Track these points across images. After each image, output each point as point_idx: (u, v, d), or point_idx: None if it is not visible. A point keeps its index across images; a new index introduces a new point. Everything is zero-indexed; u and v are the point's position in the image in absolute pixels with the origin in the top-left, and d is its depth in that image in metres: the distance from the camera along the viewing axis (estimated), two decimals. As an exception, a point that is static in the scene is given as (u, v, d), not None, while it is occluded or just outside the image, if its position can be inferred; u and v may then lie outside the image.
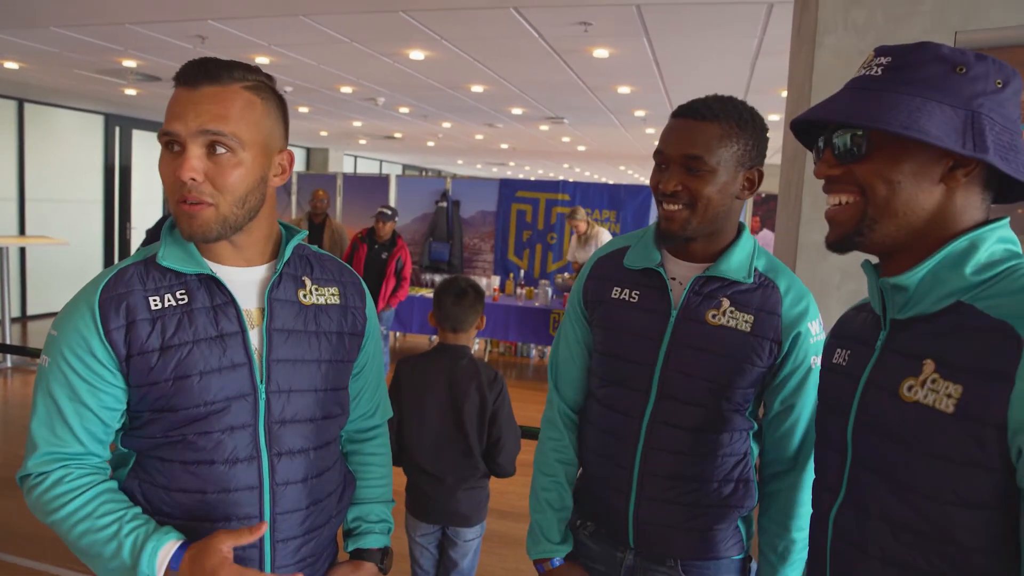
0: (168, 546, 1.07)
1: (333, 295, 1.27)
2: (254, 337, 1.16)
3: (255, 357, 1.16)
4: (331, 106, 8.64)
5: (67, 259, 9.10)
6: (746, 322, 1.30)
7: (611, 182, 11.82)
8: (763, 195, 7.49)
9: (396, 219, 6.26)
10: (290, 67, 6.17)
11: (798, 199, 1.90)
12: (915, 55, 0.88)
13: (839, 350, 1.03)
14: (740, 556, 1.40)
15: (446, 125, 10.12)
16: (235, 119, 1.09)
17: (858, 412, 0.94)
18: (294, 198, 9.40)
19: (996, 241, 0.87)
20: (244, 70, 1.12)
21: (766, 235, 7.44)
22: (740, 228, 1.37)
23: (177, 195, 1.08)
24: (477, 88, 6.92)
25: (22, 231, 8.73)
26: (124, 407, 1.14)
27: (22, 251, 8.73)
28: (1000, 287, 0.84)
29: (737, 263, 1.33)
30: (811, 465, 1.34)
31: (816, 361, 1.32)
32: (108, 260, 9.99)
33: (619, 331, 1.38)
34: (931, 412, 0.82)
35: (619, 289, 1.39)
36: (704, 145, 1.24)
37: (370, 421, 1.41)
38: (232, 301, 1.15)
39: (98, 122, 9.75)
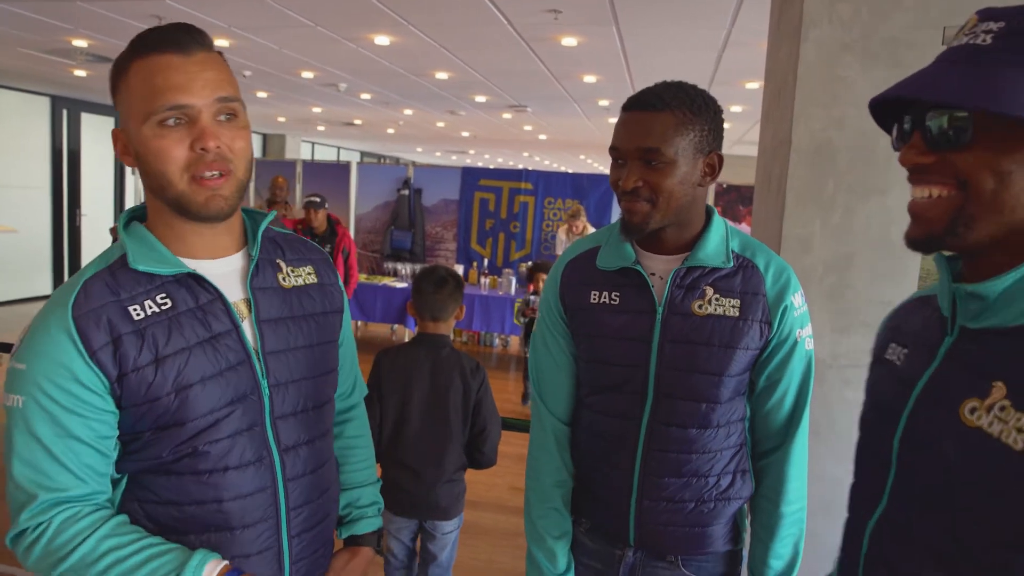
0: (213, 563, 1.01)
1: (310, 274, 1.22)
2: (247, 330, 1.10)
3: (253, 352, 1.10)
4: (291, 91, 8.45)
5: (13, 248, 8.74)
6: (733, 307, 1.29)
7: (571, 171, 11.83)
8: (724, 185, 7.58)
9: (327, 206, 5.91)
10: (250, 50, 6.00)
11: (780, 192, 1.91)
12: None
13: (894, 345, 0.93)
14: (738, 547, 1.41)
15: (408, 112, 10.00)
16: (233, 83, 1.05)
17: (908, 424, 0.83)
18: (252, 184, 9.19)
19: None
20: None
21: (728, 225, 7.53)
22: (709, 212, 1.35)
23: (193, 170, 1.00)
24: (442, 75, 6.84)
25: (-36, 217, 8.36)
26: (117, 433, 1.04)
27: (-36, 238, 8.36)
28: None
29: (714, 248, 1.30)
30: (799, 441, 1.35)
31: (800, 333, 1.31)
32: (57, 248, 9.63)
33: (604, 336, 1.34)
34: (996, 444, 0.71)
35: (597, 293, 1.35)
36: (660, 136, 1.21)
37: (348, 401, 1.38)
38: (219, 297, 1.08)
39: (44, 104, 9.37)
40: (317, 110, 10.33)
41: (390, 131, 12.99)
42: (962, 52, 0.76)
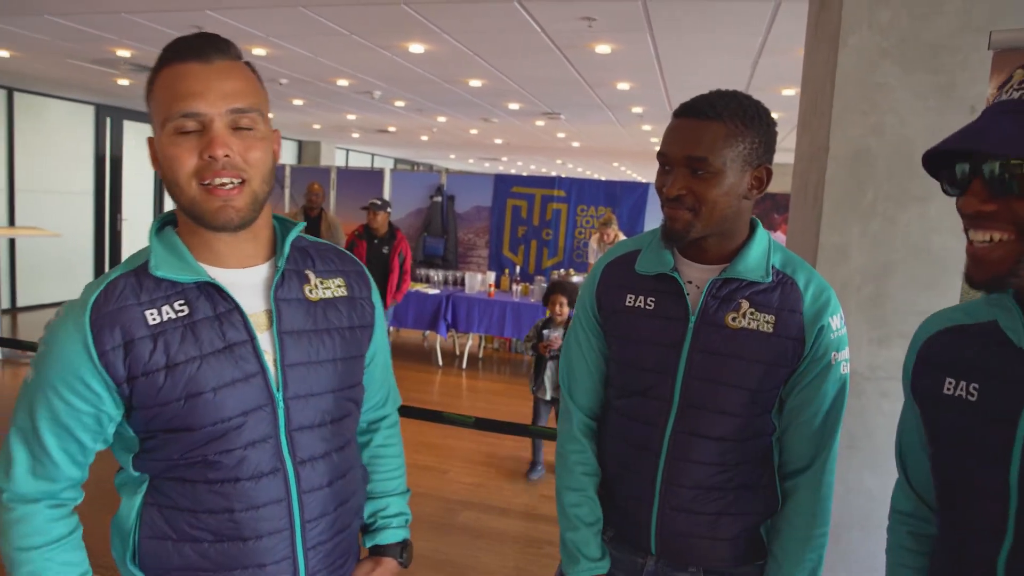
0: None
1: (339, 287, 1.21)
2: (265, 342, 1.10)
3: (268, 364, 1.09)
4: (326, 99, 8.56)
5: (57, 251, 8.99)
6: (767, 323, 1.26)
7: (604, 179, 11.79)
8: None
9: (389, 210, 6.15)
10: (286, 59, 6.10)
11: (818, 199, 1.88)
12: None
13: (951, 380, 0.96)
14: (762, 562, 1.38)
15: (441, 119, 10.06)
16: (252, 93, 1.05)
17: (1023, 458, 0.86)
18: (287, 191, 9.31)
19: None
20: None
21: (763, 233, 7.43)
22: (753, 225, 1.33)
23: (201, 176, 1.02)
24: (475, 82, 6.87)
25: (12, 222, 8.61)
26: (111, 429, 1.09)
27: (11, 242, 8.61)
28: None
29: (754, 262, 1.28)
30: (827, 464, 1.31)
31: (836, 356, 1.28)
32: (99, 252, 9.88)
33: (636, 340, 1.34)
34: None
35: (633, 296, 1.34)
36: (709, 146, 1.19)
37: (380, 411, 1.38)
38: (236, 308, 1.08)
39: (89, 112, 9.63)
40: (352, 117, 10.45)
41: (424, 138, 13.09)
42: (1012, 104, 0.80)
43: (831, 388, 1.29)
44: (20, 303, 8.75)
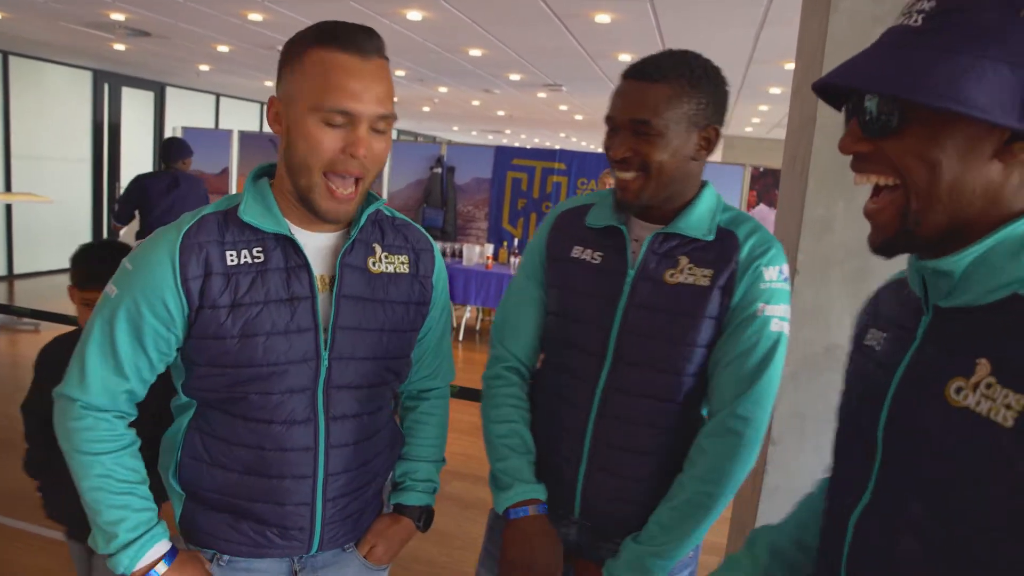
0: (155, 548, 1.16)
1: (403, 263, 1.27)
2: (322, 302, 1.17)
3: (321, 323, 1.16)
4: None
5: (54, 218, 8.97)
6: (705, 276, 1.24)
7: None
8: (761, 169, 7.41)
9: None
10: (284, 25, 6.02)
11: (804, 173, 1.84)
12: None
13: (873, 330, 0.90)
14: None
15: (442, 90, 9.96)
16: (392, 97, 1.12)
17: (892, 408, 0.79)
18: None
19: None
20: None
21: (763, 210, 7.38)
22: (702, 186, 1.31)
23: (333, 166, 1.09)
24: (475, 52, 6.78)
25: (8, 188, 8.58)
26: (175, 354, 1.17)
27: (8, 208, 8.58)
28: None
29: (697, 220, 1.26)
30: (740, 425, 1.22)
31: (765, 308, 1.22)
32: (96, 219, 9.85)
33: (574, 290, 1.32)
34: (984, 423, 0.68)
35: (581, 248, 1.34)
36: (652, 108, 1.18)
37: (431, 382, 1.43)
38: (306, 264, 1.16)
39: (87, 78, 9.54)
40: (352, 87, 10.34)
41: (425, 109, 12.98)
42: (894, 34, 0.73)
43: (754, 339, 1.21)
44: (17, 270, 8.75)
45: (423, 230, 1.34)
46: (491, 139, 20.86)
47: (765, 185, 7.37)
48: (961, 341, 0.74)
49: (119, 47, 7.68)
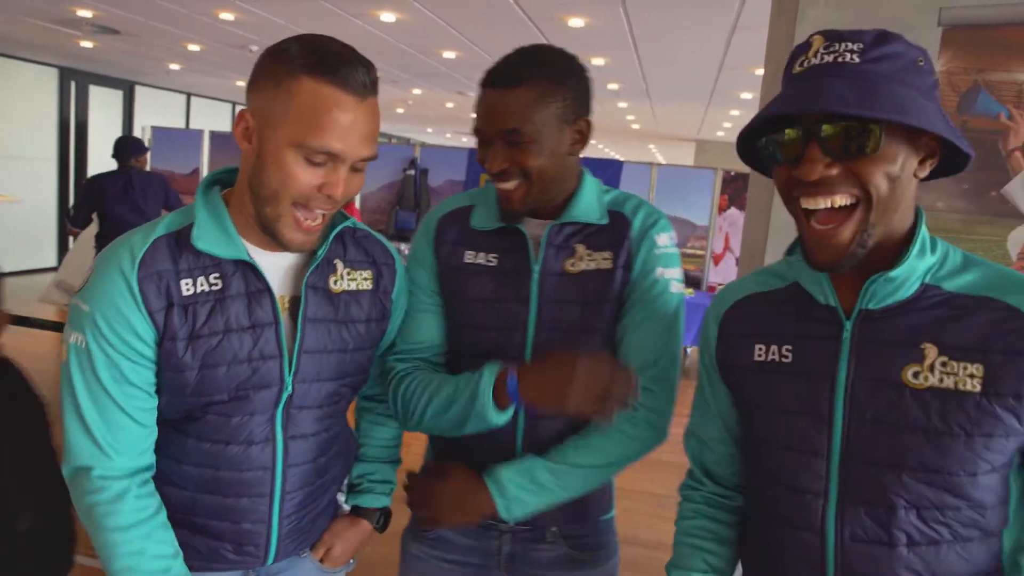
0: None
1: (366, 279, 1.21)
2: (285, 325, 1.12)
3: (286, 348, 1.12)
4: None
5: (20, 218, 8.78)
6: (606, 259, 1.23)
7: (581, 155, 11.72)
8: (732, 173, 7.51)
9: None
10: (256, 25, 5.97)
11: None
12: (888, 45, 0.83)
13: (761, 346, 0.96)
14: (611, 514, 1.37)
15: (416, 92, 9.94)
16: (377, 135, 1.07)
17: (852, 410, 0.88)
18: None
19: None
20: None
21: (734, 213, 7.48)
22: (582, 175, 1.29)
23: (306, 200, 1.04)
24: (449, 54, 6.78)
25: (-29, 187, 8.39)
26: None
27: (-29, 208, 8.39)
28: (951, 265, 0.88)
29: (587, 206, 1.25)
30: (663, 383, 1.24)
31: (663, 272, 1.24)
32: (63, 220, 9.66)
33: (475, 298, 1.26)
34: (954, 394, 0.83)
35: (473, 253, 1.27)
36: (519, 115, 1.13)
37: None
38: (268, 289, 1.10)
39: (53, 75, 9.37)
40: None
41: (399, 110, 12.94)
42: (832, 67, 0.82)
43: (658, 303, 1.24)
44: (-19, 270, 8.56)
45: (386, 242, 1.28)
46: (465, 141, 20.85)
47: (736, 189, 7.46)
48: (899, 335, 0.86)
49: (86, 44, 7.55)
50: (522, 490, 1.20)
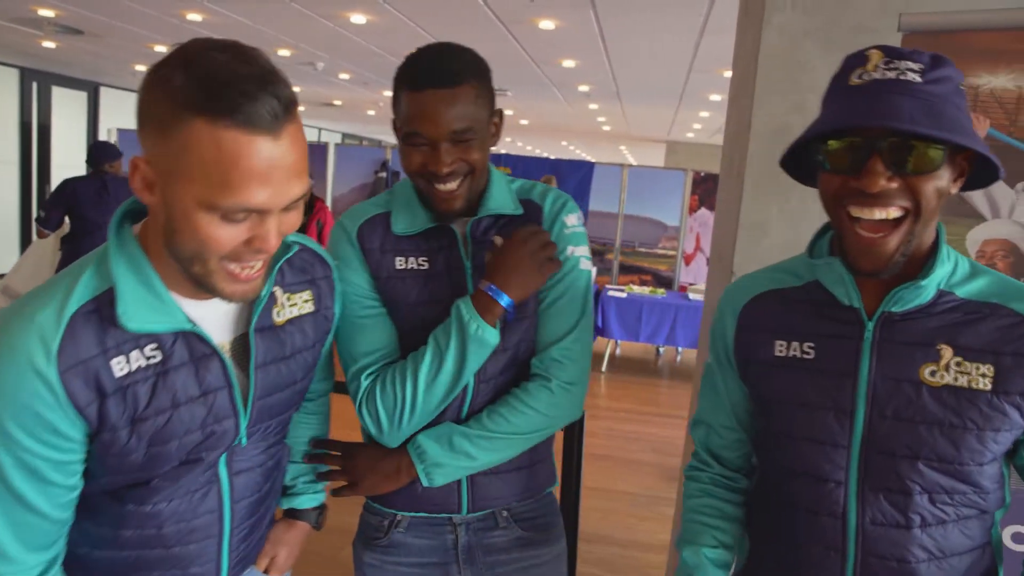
0: None
1: (307, 302, 1.11)
2: (237, 378, 1.00)
3: (240, 404, 1.01)
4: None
5: (-21, 222, 8.58)
6: None
7: (552, 157, 11.79)
8: (703, 174, 7.60)
9: (312, 181, 6.01)
10: (224, 26, 5.90)
11: (740, 177, 1.90)
12: (943, 68, 0.88)
13: (781, 342, 1.02)
14: (554, 486, 1.41)
15: (387, 93, 9.84)
16: (306, 164, 0.89)
17: (873, 405, 0.95)
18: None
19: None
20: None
21: (704, 213, 7.56)
22: (489, 168, 1.30)
23: (237, 257, 0.87)
24: (420, 56, 6.76)
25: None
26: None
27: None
28: (961, 273, 0.96)
29: (500, 198, 1.27)
30: (573, 357, 1.27)
31: (574, 251, 1.28)
32: (25, 223, 9.45)
33: (420, 303, 1.25)
34: (968, 392, 0.92)
35: (402, 259, 1.26)
36: (468, 114, 1.14)
37: (316, 386, 1.33)
38: (215, 352, 0.96)
39: (13, 76, 9.16)
40: (295, 89, 10.14)
41: (371, 112, 12.88)
42: (894, 84, 0.86)
43: (570, 280, 1.28)
44: (-60, 276, 8.35)
45: (320, 251, 1.18)
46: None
47: (706, 190, 7.55)
48: (918, 336, 0.94)
49: (48, 44, 7.40)
50: (440, 455, 1.22)
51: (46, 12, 5.88)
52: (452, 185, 1.18)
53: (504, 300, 1.17)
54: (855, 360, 0.96)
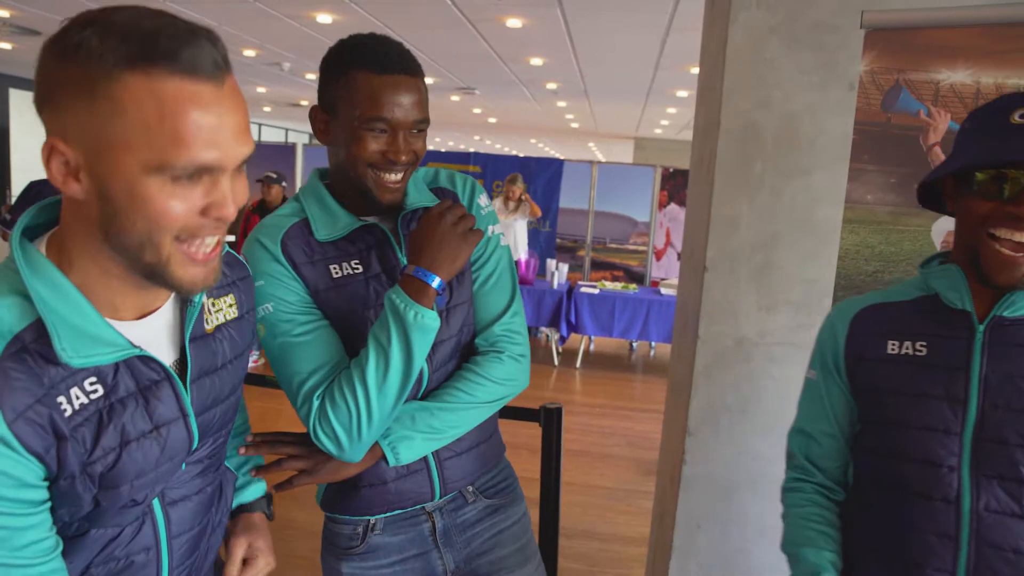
0: None
1: (231, 307, 1.00)
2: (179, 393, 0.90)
3: (196, 429, 0.90)
4: (234, 70, 8.21)
5: (-64, 229, 8.35)
6: None
7: (522, 155, 11.81)
8: (671, 170, 7.66)
9: (284, 184, 5.95)
10: (186, 26, 5.81)
11: (710, 172, 1.93)
12: None
13: (894, 342, 1.10)
14: (505, 455, 1.44)
15: (355, 93, 9.82)
16: (248, 120, 0.81)
17: (986, 395, 1.01)
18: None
19: None
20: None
21: (674, 209, 7.63)
22: None
23: (188, 233, 0.77)
24: (387, 55, 6.73)
25: None
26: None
27: None
28: None
29: (417, 191, 1.27)
30: (516, 329, 1.30)
31: (492, 230, 1.32)
32: (-16, 230, 9.23)
33: (361, 308, 1.21)
34: None
35: (336, 266, 1.21)
36: (426, 104, 1.16)
37: (240, 420, 1.25)
38: (167, 377, 0.85)
39: (-32, 79, 8.95)
40: (262, 90, 10.08)
41: (337, 112, 12.77)
42: None
43: (495, 258, 1.32)
44: None
45: (231, 251, 1.04)
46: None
47: (675, 185, 7.62)
48: (1022, 338, 1.03)
49: (4, 46, 7.23)
50: (404, 431, 1.20)
51: (2, 12, 5.74)
52: (400, 176, 1.17)
53: (434, 281, 1.12)
54: (967, 357, 1.03)
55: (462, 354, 1.30)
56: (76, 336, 0.78)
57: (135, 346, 0.82)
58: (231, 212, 0.77)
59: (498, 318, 1.29)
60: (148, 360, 0.84)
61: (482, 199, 1.33)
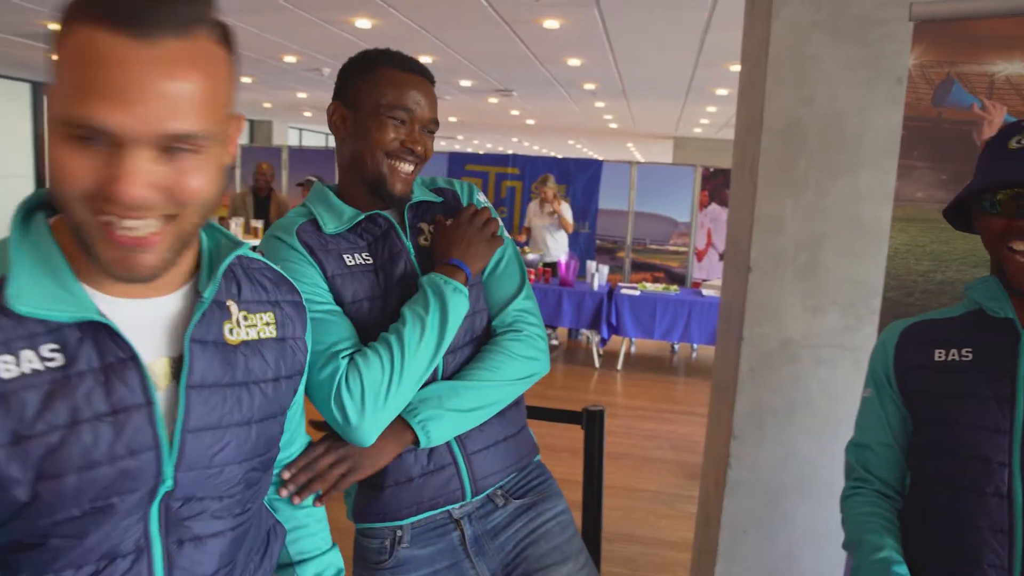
0: None
1: (268, 324, 0.92)
2: (165, 398, 0.79)
3: (164, 435, 0.78)
4: (274, 76, 8.38)
5: (-5, 237, 8.66)
6: None
7: (560, 156, 11.78)
8: (711, 169, 7.57)
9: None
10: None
11: (753, 173, 1.90)
12: None
13: (940, 350, 1.16)
14: (539, 457, 1.44)
15: (394, 97, 9.92)
16: (216, 101, 0.71)
17: None
18: (238, 172, 9.11)
19: None
20: None
21: (715, 209, 7.54)
22: None
23: (98, 206, 0.69)
24: (425, 59, 6.78)
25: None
26: None
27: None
28: None
29: (419, 187, 1.36)
30: (530, 311, 1.36)
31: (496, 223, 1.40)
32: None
33: (374, 296, 1.26)
34: None
35: (348, 256, 1.26)
36: (436, 110, 1.28)
37: (286, 451, 1.13)
38: (132, 357, 0.76)
39: (25, 90, 9.27)
40: (302, 95, 10.25)
41: (377, 117, 12.91)
42: None
43: (504, 245, 1.37)
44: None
45: (283, 272, 1.00)
46: (444, 145, 20.82)
47: (716, 185, 7.52)
48: None
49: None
50: (432, 410, 1.22)
51: (55, 26, 5.93)
52: (411, 168, 1.26)
53: (467, 271, 1.25)
54: (1013, 358, 1.08)
55: (476, 344, 1.33)
56: (35, 286, 0.72)
57: (100, 314, 0.74)
58: (131, 195, 0.67)
59: (511, 300, 1.35)
60: (116, 337, 0.75)
61: (481, 197, 1.41)
